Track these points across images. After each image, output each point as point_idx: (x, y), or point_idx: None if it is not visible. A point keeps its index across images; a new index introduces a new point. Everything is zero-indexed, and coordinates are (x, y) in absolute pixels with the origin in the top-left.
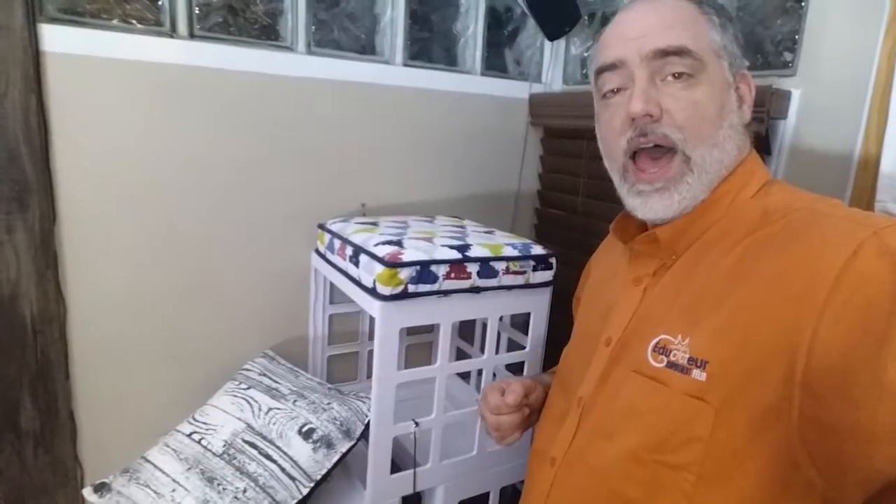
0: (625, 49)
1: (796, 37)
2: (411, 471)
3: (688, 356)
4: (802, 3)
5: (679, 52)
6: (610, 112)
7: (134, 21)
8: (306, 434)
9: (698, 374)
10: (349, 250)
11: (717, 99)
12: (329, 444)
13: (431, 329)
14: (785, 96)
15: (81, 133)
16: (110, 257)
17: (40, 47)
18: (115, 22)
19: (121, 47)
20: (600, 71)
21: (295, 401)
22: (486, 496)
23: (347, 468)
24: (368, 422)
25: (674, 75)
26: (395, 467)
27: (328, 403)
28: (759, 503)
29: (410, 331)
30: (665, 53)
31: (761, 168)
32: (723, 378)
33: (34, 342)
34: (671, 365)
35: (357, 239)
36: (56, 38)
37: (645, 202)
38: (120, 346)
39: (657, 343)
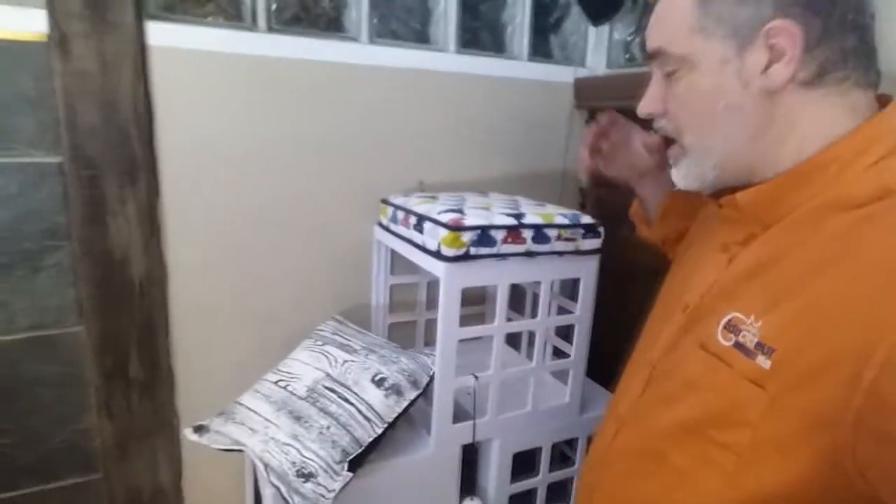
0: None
1: None
2: (471, 421)
3: (756, 340)
4: None
5: (656, 54)
6: None
7: (221, 17)
8: (378, 382)
9: (763, 361)
10: (413, 219)
11: (705, 84)
12: (399, 391)
13: (482, 301)
14: None
15: (180, 118)
16: (203, 228)
17: (146, 41)
18: (203, 18)
19: (210, 40)
20: None
21: (367, 354)
22: (537, 452)
23: (411, 420)
24: (433, 374)
25: (665, 74)
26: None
27: (397, 357)
28: (797, 496)
29: (462, 301)
30: (652, 57)
31: (888, 133)
32: (787, 369)
33: (141, 302)
34: (738, 346)
35: (421, 209)
36: (158, 34)
37: (672, 174)
38: (211, 307)
39: (729, 320)
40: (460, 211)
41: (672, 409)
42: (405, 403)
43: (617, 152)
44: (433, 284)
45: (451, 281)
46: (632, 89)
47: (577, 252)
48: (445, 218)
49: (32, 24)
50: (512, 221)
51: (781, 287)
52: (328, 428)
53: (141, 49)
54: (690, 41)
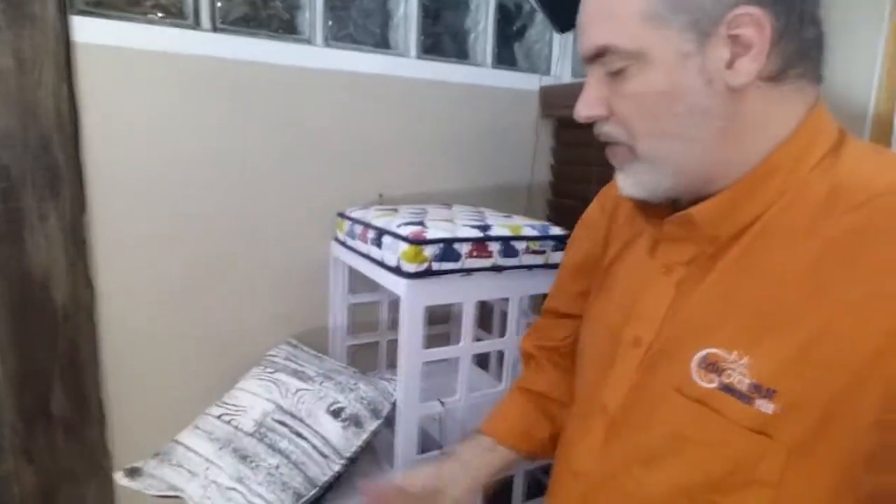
0: (579, 47)
1: None
2: (438, 451)
3: (748, 381)
4: None
5: (600, 53)
6: None
7: (160, 13)
8: (335, 413)
9: (763, 405)
10: (371, 234)
11: (662, 83)
12: (358, 422)
13: (447, 320)
14: None
15: (110, 122)
16: (137, 245)
17: (71, 38)
18: (141, 14)
19: (147, 39)
20: None
21: (322, 382)
22: (510, 481)
23: (374, 451)
24: (395, 402)
25: (610, 73)
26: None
27: (355, 384)
28: None
29: (426, 320)
30: (593, 58)
31: (827, 126)
32: (798, 413)
33: (64, 329)
34: (726, 388)
35: (379, 223)
36: (86, 29)
37: (617, 178)
38: (146, 333)
39: (704, 357)
40: (421, 224)
41: (658, 469)
42: (365, 435)
43: None
44: (395, 303)
45: (413, 299)
46: None
47: (548, 265)
48: (405, 231)
49: None
50: (477, 234)
51: (766, 318)
52: (278, 468)
53: (65, 46)
54: (642, 33)
